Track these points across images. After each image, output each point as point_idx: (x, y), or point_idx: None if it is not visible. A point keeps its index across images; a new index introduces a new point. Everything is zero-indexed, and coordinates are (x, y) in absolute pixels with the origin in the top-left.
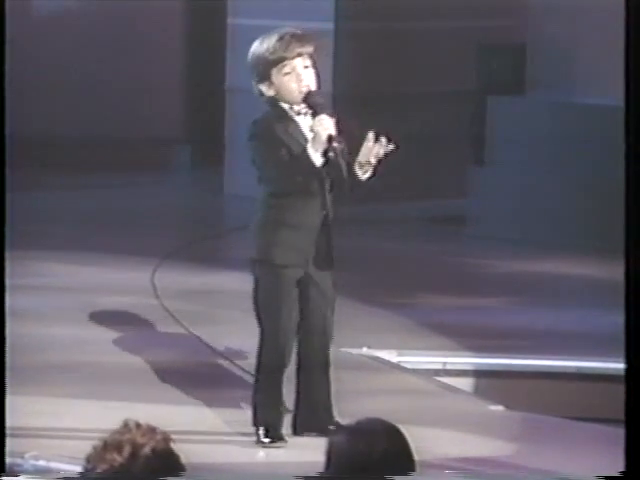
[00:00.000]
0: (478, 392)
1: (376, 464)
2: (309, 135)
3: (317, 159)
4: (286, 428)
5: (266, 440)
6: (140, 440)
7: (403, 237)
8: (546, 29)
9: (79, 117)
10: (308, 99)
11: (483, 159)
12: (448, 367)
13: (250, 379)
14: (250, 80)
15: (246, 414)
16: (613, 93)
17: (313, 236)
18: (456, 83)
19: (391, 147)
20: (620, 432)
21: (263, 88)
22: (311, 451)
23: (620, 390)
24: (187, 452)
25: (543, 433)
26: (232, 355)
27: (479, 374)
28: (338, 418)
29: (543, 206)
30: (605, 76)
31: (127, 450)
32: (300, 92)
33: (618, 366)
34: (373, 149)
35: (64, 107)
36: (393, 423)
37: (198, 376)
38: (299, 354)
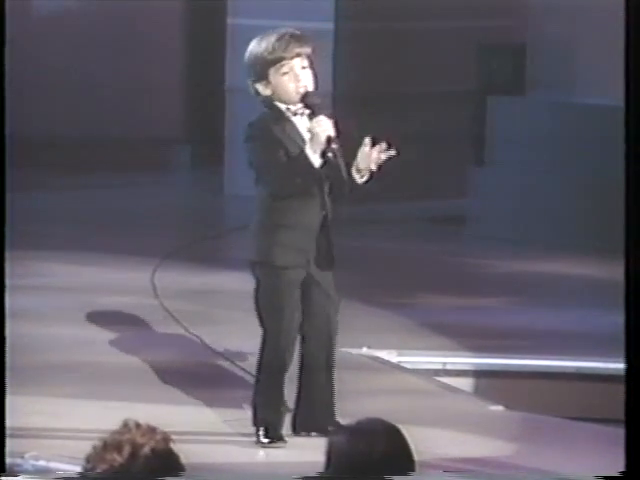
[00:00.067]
0: (478, 392)
1: (376, 464)
2: (306, 136)
3: (316, 160)
4: (286, 429)
5: (266, 440)
6: (140, 440)
7: (403, 237)
8: (546, 29)
9: (79, 117)
10: (305, 99)
11: (483, 159)
12: (448, 367)
13: (250, 379)
14: (247, 79)
15: (246, 414)
16: (613, 93)
17: (313, 236)
18: (456, 83)
19: (392, 152)
20: (620, 432)
21: (260, 87)
22: (311, 451)
23: (620, 390)
24: (187, 452)
25: (543, 433)
26: (232, 355)
27: (479, 374)
28: (338, 418)
29: (543, 206)
30: (605, 76)
31: (127, 450)
32: (297, 92)
33: (618, 366)
34: (373, 155)
35: (64, 107)
36: (393, 423)
37: (198, 376)
38: (302, 354)
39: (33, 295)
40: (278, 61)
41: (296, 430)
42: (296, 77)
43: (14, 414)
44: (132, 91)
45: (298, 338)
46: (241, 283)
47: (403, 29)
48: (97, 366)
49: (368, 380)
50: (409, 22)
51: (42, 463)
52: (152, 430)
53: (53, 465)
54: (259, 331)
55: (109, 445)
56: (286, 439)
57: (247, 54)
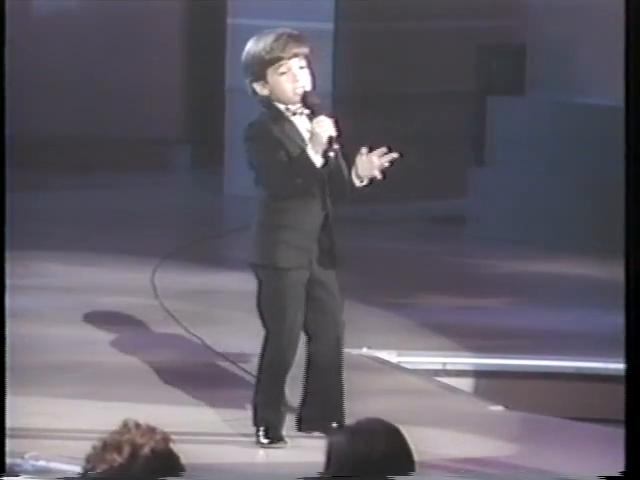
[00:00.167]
0: (478, 392)
1: (376, 464)
2: (306, 135)
3: (317, 160)
4: (286, 429)
5: (266, 441)
6: (139, 440)
7: (403, 237)
8: (546, 29)
9: (79, 117)
10: (305, 99)
11: (483, 159)
12: (448, 367)
13: (250, 379)
14: (244, 79)
15: (246, 414)
16: (613, 93)
17: (315, 237)
18: (456, 83)
19: (394, 155)
20: (620, 432)
21: (257, 87)
22: (311, 451)
23: (620, 390)
24: (187, 452)
25: (543, 433)
26: (233, 356)
27: (479, 374)
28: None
29: (543, 206)
30: (605, 76)
31: (126, 450)
32: (295, 92)
33: (618, 366)
34: (374, 162)
35: (64, 107)
36: (393, 423)
37: (198, 376)
38: (310, 354)
39: (33, 295)
40: (276, 61)
41: (301, 428)
42: (294, 77)
43: (14, 414)
44: (132, 91)
45: (303, 338)
46: (241, 283)
47: (403, 29)
48: (97, 366)
49: (368, 380)
50: (409, 22)
51: (42, 463)
52: (152, 430)
53: (53, 465)
54: (259, 331)
55: (109, 445)
56: (286, 439)
57: (244, 54)
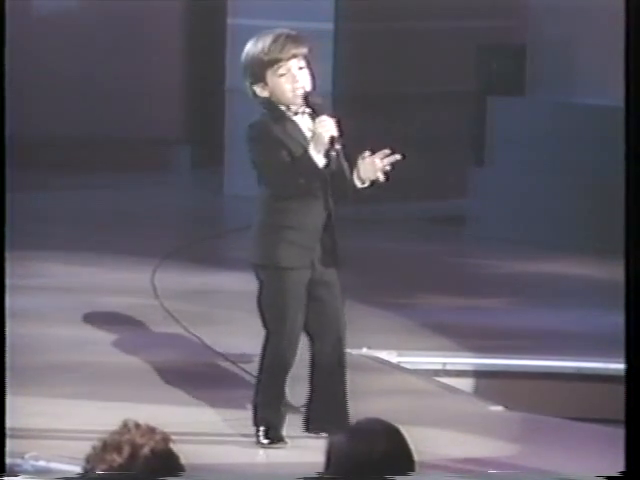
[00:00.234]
0: (478, 392)
1: (376, 464)
2: (308, 134)
3: (320, 160)
4: (286, 429)
5: (266, 441)
6: (139, 440)
7: (403, 237)
8: (546, 29)
9: (79, 117)
10: (306, 99)
11: (483, 159)
12: (448, 367)
13: (250, 379)
14: (244, 81)
15: (246, 414)
16: (613, 93)
17: (317, 236)
18: (456, 83)
19: (397, 157)
20: (620, 432)
21: (257, 89)
22: (311, 451)
23: (620, 390)
24: (187, 452)
25: (543, 433)
26: (232, 355)
27: (479, 374)
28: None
29: (543, 206)
30: (605, 76)
31: (126, 450)
32: (295, 93)
33: (618, 366)
34: (377, 164)
35: (64, 107)
36: (393, 423)
37: (198, 376)
38: (313, 354)
39: (33, 295)
40: (274, 63)
41: (308, 429)
42: (293, 78)
43: (14, 414)
44: (132, 91)
45: (304, 338)
46: (241, 283)
47: (403, 29)
48: (97, 366)
49: (368, 380)
50: (409, 22)
51: (42, 463)
52: (151, 430)
53: (53, 465)
54: (260, 331)
55: (109, 445)
56: (286, 440)
57: (243, 56)
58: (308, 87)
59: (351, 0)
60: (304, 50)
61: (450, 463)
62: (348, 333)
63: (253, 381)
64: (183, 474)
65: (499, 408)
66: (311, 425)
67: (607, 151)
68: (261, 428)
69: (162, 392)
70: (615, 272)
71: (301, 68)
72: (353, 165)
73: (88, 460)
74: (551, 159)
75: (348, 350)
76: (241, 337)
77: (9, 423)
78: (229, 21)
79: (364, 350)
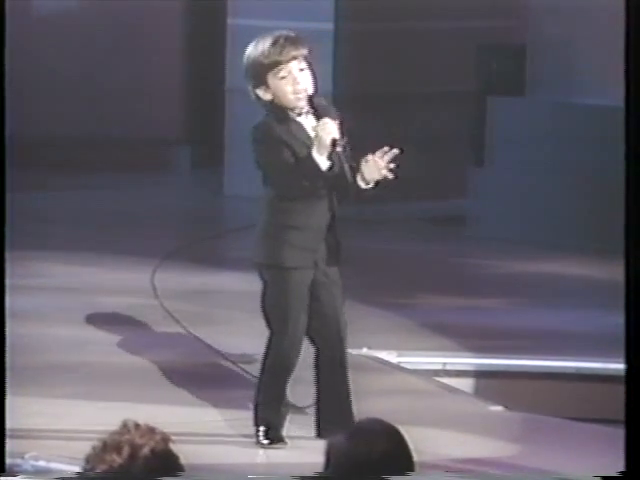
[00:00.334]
0: (478, 392)
1: (375, 464)
2: (313, 134)
3: (323, 163)
4: (286, 429)
5: (265, 441)
6: (139, 441)
7: (403, 237)
8: (546, 29)
9: (79, 117)
10: (311, 101)
11: (483, 159)
12: (448, 367)
13: (251, 379)
14: (247, 85)
15: (246, 414)
16: (613, 93)
17: (321, 237)
18: (456, 83)
19: (395, 151)
20: (620, 432)
21: (260, 92)
22: (311, 451)
23: (620, 390)
24: (186, 452)
25: (543, 433)
26: (232, 355)
27: (479, 374)
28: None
29: (543, 206)
30: (605, 76)
31: (126, 451)
32: (296, 95)
33: (618, 366)
34: (379, 164)
35: (64, 107)
36: (392, 423)
37: (198, 376)
38: (315, 355)
39: (33, 295)
40: (275, 65)
41: (320, 435)
42: (294, 80)
43: (14, 414)
44: (132, 91)
45: (305, 339)
46: (241, 283)
47: (403, 29)
48: (97, 366)
49: (368, 381)
50: (409, 22)
51: (42, 463)
52: (151, 431)
53: (53, 465)
54: (260, 331)
55: (108, 446)
56: (286, 440)
57: (245, 59)
58: (310, 89)
59: (351, 0)
60: (304, 51)
61: (450, 463)
62: (348, 333)
63: (253, 381)
64: (183, 474)
65: (499, 408)
66: (321, 428)
67: (607, 151)
68: (261, 428)
69: (162, 392)
70: (615, 272)
71: (302, 70)
72: (356, 166)
73: (88, 460)
74: (551, 159)
75: (348, 350)
76: (241, 337)
77: (9, 423)
78: (229, 21)
79: (364, 350)
